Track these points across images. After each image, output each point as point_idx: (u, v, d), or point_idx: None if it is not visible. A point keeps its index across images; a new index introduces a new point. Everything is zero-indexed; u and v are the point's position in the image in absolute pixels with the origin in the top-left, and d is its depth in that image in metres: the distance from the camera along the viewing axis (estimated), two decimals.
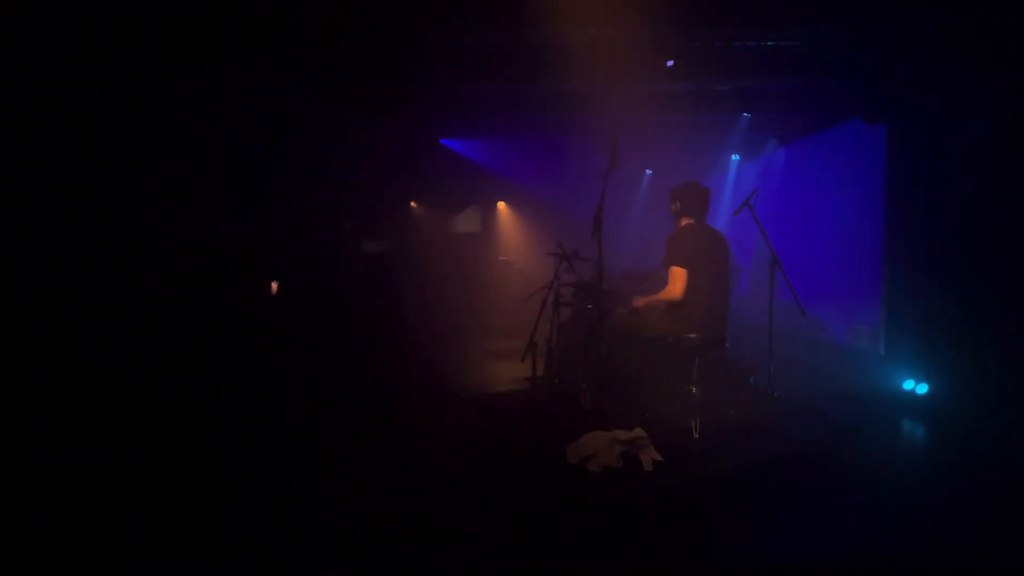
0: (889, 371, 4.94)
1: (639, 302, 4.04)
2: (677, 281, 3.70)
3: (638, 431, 3.26)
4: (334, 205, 6.78)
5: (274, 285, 5.12)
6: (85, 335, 3.88)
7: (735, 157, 8.25)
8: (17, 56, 3.53)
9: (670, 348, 3.76)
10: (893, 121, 5.28)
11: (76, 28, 3.75)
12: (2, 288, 3.56)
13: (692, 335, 3.70)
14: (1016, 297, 4.20)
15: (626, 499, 2.90)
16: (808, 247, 6.71)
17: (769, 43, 4.94)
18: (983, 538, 2.84)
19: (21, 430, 3.48)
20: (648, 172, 9.33)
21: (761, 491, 3.24)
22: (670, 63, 5.25)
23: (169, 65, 4.32)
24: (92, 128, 4.03)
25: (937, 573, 2.61)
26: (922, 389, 4.63)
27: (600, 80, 5.31)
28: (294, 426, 4.23)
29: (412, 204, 8.88)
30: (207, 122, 4.91)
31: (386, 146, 7.03)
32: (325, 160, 6.58)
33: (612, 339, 3.94)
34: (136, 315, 4.27)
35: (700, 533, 2.91)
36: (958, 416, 4.21)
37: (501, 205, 9.64)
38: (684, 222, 3.96)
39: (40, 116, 3.70)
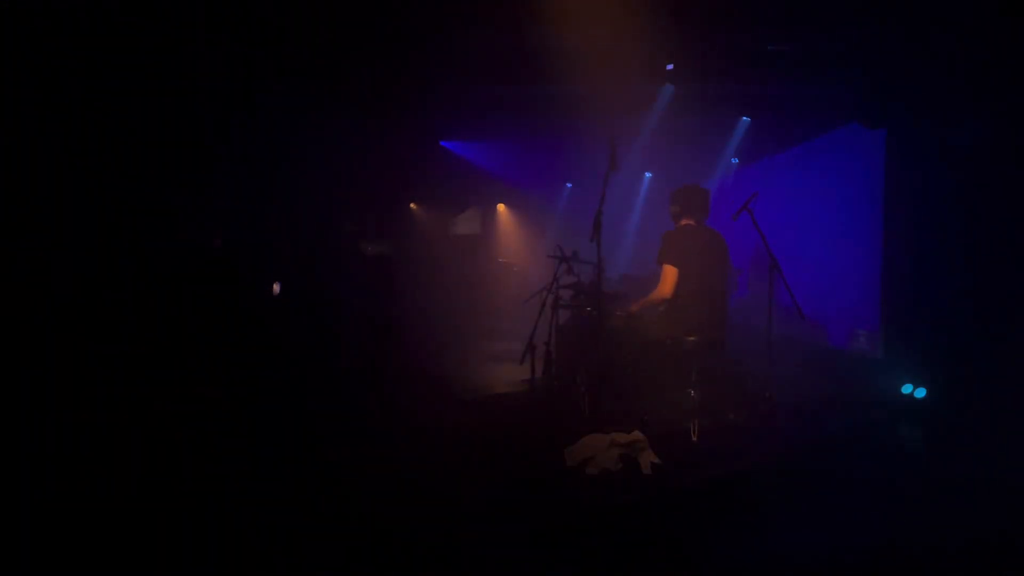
0: (888, 375, 4.94)
1: (635, 307, 4.04)
2: (668, 278, 3.70)
3: (636, 434, 3.26)
4: (335, 206, 6.78)
5: (276, 287, 5.11)
6: (85, 334, 3.88)
7: (734, 160, 8.26)
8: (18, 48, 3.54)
9: (668, 351, 3.76)
10: (893, 126, 5.29)
11: (77, 26, 3.76)
12: (3, 288, 3.57)
13: (690, 338, 3.71)
14: (1015, 301, 4.21)
15: (624, 502, 2.90)
16: (807, 251, 6.71)
17: (770, 47, 4.95)
18: (981, 542, 2.84)
19: (21, 429, 3.48)
20: (648, 175, 9.34)
21: (759, 495, 3.23)
22: (670, 66, 5.26)
23: (171, 66, 4.33)
24: (93, 129, 4.04)
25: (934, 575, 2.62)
26: (920, 393, 4.63)
27: (600, 82, 5.32)
28: (294, 426, 4.23)
29: (412, 206, 8.89)
30: (207, 123, 4.92)
31: (386, 148, 7.04)
32: (326, 162, 6.58)
33: (611, 341, 3.94)
34: (135, 314, 4.27)
35: (698, 536, 2.91)
36: (957, 420, 4.21)
37: (501, 207, 9.64)
38: (683, 223, 3.96)
39: (40, 113, 3.71)
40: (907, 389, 4.69)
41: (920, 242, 4.89)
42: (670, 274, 3.69)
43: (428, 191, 8.65)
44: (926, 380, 4.63)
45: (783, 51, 4.95)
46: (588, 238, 3.75)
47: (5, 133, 3.57)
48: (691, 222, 3.93)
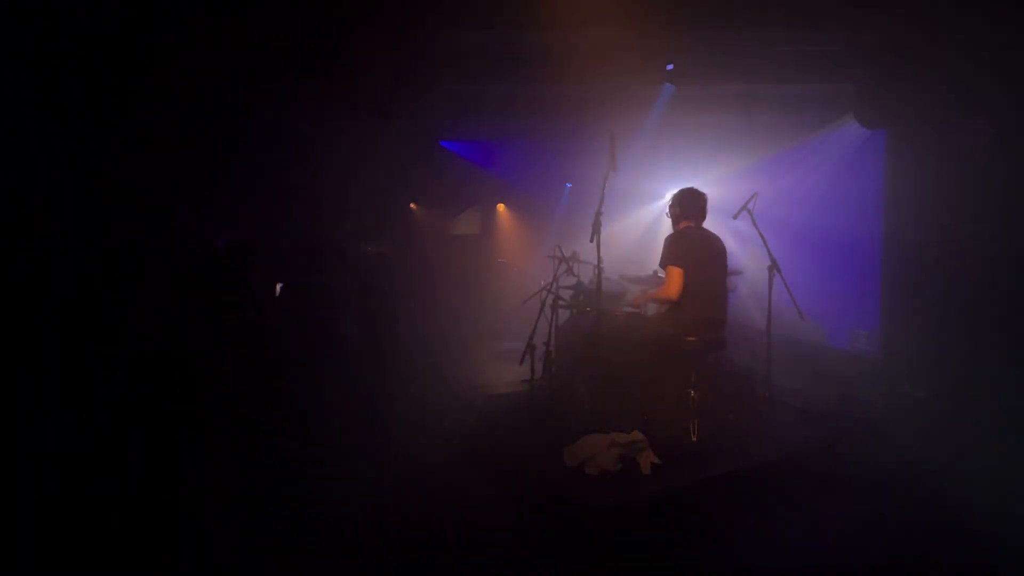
0: (888, 375, 4.94)
1: (637, 299, 4.05)
2: (674, 280, 3.70)
3: (636, 434, 3.26)
4: (335, 206, 6.79)
5: (277, 287, 5.12)
6: (85, 334, 3.88)
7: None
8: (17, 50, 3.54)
9: (668, 351, 3.76)
10: (893, 126, 5.29)
11: (77, 26, 3.77)
12: (3, 288, 3.57)
13: (690, 338, 3.70)
14: (1014, 301, 4.21)
15: (623, 502, 2.90)
16: (807, 251, 6.71)
17: (770, 47, 4.95)
18: (981, 542, 2.85)
19: (19, 432, 3.48)
20: (646, 175, 9.33)
21: (759, 495, 3.24)
22: (670, 66, 5.26)
23: (172, 68, 4.34)
24: (93, 129, 4.04)
25: (934, 575, 2.62)
26: (920, 393, 4.63)
27: (600, 82, 5.32)
28: (294, 426, 4.23)
29: (412, 205, 8.89)
30: (209, 125, 4.92)
31: (386, 147, 7.04)
32: (326, 162, 6.59)
33: (610, 342, 3.94)
34: (135, 314, 4.27)
35: (697, 536, 2.91)
36: (956, 420, 4.22)
37: (500, 207, 9.63)
38: (683, 225, 3.96)
39: (41, 115, 3.71)
40: (907, 389, 4.69)
41: (920, 241, 4.90)
42: (676, 275, 3.69)
43: (428, 191, 8.65)
44: (926, 380, 4.63)
45: (783, 51, 4.95)
46: (588, 239, 3.76)
47: (5, 133, 3.57)
48: (691, 224, 3.93)
